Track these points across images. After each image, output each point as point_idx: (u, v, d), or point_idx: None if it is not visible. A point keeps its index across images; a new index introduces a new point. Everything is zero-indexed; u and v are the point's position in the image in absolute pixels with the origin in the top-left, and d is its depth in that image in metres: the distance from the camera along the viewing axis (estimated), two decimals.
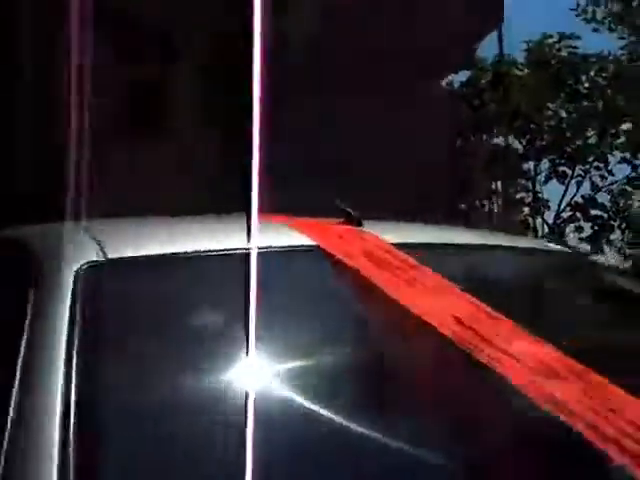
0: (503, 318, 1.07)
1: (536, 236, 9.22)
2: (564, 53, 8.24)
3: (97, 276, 1.18)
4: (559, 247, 1.70)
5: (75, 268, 1.18)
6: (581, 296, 1.44)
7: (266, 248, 1.27)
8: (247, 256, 1.29)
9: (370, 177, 6.18)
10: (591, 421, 0.82)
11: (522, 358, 0.95)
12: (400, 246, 1.36)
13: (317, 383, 1.04)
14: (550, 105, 8.50)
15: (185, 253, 1.27)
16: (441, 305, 1.10)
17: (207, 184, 5.14)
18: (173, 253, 1.28)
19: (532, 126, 8.54)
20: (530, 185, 9.00)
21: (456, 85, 9.74)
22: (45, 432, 0.90)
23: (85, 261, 1.21)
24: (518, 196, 9.22)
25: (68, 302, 1.09)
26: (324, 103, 5.97)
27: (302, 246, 1.29)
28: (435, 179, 6.91)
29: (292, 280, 1.24)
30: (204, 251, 1.29)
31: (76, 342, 1.01)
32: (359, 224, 1.49)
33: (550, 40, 8.28)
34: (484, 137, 8.82)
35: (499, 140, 9.11)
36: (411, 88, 7.77)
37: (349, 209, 1.50)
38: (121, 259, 1.22)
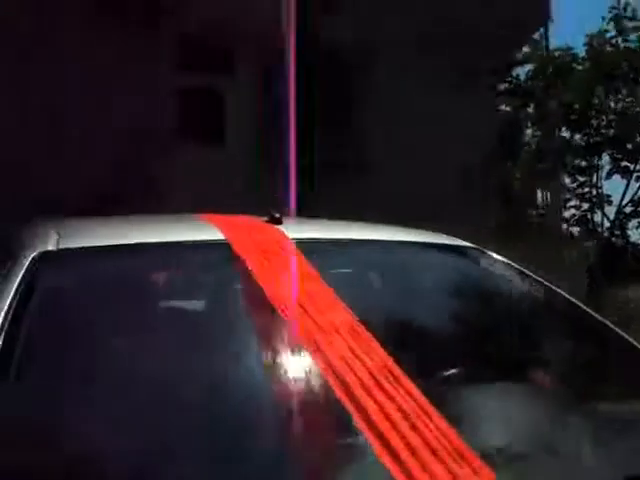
0: (334, 299, 1.39)
1: (596, 231, 9.20)
2: (622, 47, 8.20)
3: (49, 262, 1.57)
4: (463, 244, 1.97)
5: (32, 255, 1.58)
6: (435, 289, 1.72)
7: (179, 242, 1.64)
8: (169, 248, 1.66)
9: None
10: (338, 367, 1.13)
11: (323, 324, 1.27)
12: (297, 240, 1.69)
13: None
14: (609, 99, 8.48)
15: (120, 245, 1.66)
16: (290, 288, 1.43)
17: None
18: (113, 245, 1.66)
19: (592, 121, 8.54)
20: (590, 180, 8.97)
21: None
22: None
23: (42, 250, 1.60)
24: (579, 191, 9.20)
25: (18, 279, 1.48)
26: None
27: (208, 240, 1.65)
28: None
29: (189, 268, 1.59)
30: (136, 244, 1.66)
31: (14, 305, 1.38)
32: (278, 222, 1.83)
33: (608, 34, 8.27)
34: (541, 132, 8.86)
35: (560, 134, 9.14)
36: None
37: (274, 211, 1.85)
38: (68, 249, 1.61)
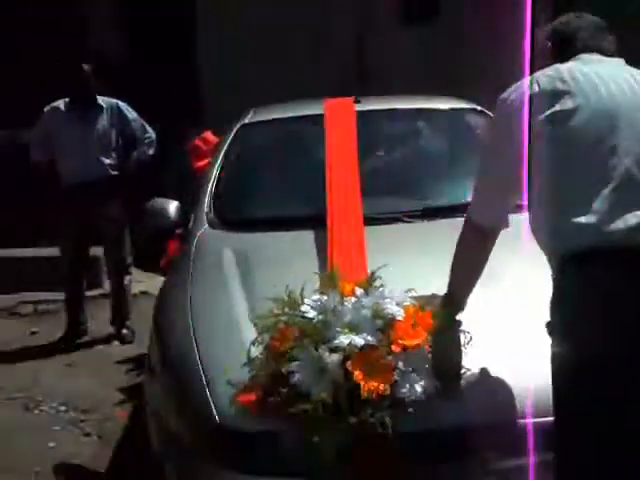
0: (354, 140, 3.03)
1: None
2: None
3: (242, 129, 3.41)
4: (468, 106, 3.37)
5: (237, 126, 3.43)
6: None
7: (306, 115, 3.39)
8: (299, 118, 3.42)
9: None
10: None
11: (339, 149, 2.93)
12: (358, 111, 3.29)
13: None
14: None
15: (276, 119, 3.45)
16: (332, 136, 3.08)
17: None
18: (272, 118, 3.46)
19: None
20: None
21: None
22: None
23: (243, 123, 3.45)
24: None
25: (229, 141, 3.36)
26: None
27: (312, 114, 3.34)
28: None
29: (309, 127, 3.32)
30: (300, 116, 3.42)
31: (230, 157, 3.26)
32: (357, 102, 3.44)
33: None
34: None
35: None
36: None
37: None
38: (251, 122, 3.44)
